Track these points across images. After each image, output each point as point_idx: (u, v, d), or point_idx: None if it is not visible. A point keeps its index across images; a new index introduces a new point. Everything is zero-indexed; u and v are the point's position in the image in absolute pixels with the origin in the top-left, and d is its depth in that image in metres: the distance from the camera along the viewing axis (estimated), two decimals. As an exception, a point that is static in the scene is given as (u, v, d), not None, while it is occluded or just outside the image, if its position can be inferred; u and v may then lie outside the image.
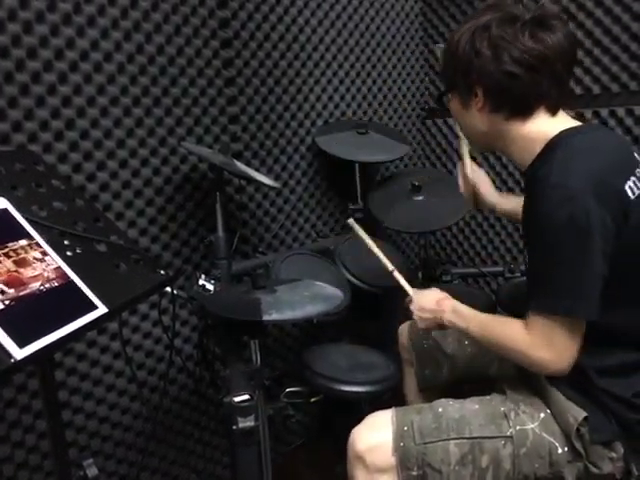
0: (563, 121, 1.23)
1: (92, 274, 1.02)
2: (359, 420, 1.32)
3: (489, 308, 2.00)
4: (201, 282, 1.53)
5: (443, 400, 1.32)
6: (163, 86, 1.76)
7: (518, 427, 1.23)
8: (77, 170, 1.60)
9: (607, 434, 1.19)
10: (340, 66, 2.34)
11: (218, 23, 1.89)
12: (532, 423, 1.23)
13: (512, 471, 1.22)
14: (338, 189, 2.40)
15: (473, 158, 1.63)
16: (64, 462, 1.14)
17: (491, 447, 1.22)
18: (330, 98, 2.32)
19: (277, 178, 2.16)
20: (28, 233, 0.99)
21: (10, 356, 0.81)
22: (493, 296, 2.27)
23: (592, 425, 1.18)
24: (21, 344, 0.83)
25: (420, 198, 2.14)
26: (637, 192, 1.16)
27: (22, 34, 1.45)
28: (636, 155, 1.24)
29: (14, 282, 0.89)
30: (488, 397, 1.32)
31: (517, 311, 1.29)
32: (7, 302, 0.86)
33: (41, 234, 1.01)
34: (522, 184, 2.32)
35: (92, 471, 1.14)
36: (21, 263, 0.93)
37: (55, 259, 0.99)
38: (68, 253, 1.03)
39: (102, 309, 0.98)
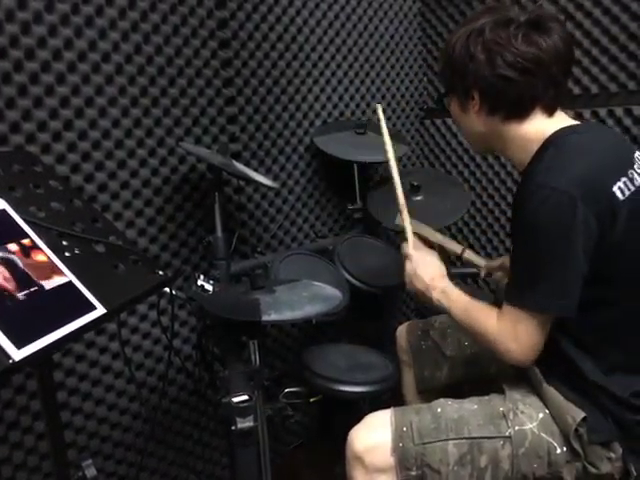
0: (561, 121, 1.23)
1: (90, 275, 1.02)
2: (358, 420, 1.32)
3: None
4: (200, 282, 1.53)
5: (442, 400, 1.32)
6: (161, 86, 1.76)
7: (517, 427, 1.23)
8: (75, 171, 1.60)
9: (605, 434, 1.19)
10: (338, 66, 2.34)
11: (216, 23, 1.88)
12: (531, 423, 1.23)
13: (511, 471, 1.22)
14: (337, 189, 2.40)
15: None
16: (63, 463, 1.14)
17: (490, 447, 1.22)
18: (328, 98, 2.32)
19: (276, 178, 2.16)
20: (26, 234, 0.99)
21: (8, 357, 0.80)
22: (493, 296, 2.27)
23: (590, 425, 1.18)
24: (19, 345, 0.82)
25: (419, 198, 2.14)
26: (627, 193, 1.16)
27: (20, 35, 1.44)
28: (636, 155, 1.24)
29: (12, 283, 0.89)
30: (487, 397, 1.32)
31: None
32: (5, 303, 0.86)
33: (39, 235, 1.01)
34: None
35: (91, 472, 1.13)
36: (19, 264, 0.93)
37: (53, 260, 0.99)
38: (66, 254, 1.03)
39: (101, 310, 0.98)
